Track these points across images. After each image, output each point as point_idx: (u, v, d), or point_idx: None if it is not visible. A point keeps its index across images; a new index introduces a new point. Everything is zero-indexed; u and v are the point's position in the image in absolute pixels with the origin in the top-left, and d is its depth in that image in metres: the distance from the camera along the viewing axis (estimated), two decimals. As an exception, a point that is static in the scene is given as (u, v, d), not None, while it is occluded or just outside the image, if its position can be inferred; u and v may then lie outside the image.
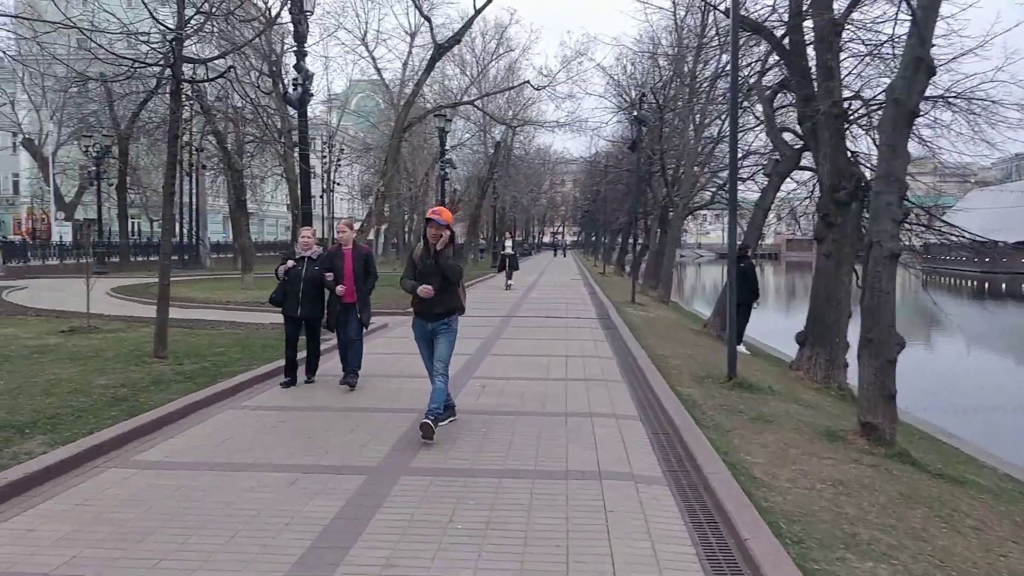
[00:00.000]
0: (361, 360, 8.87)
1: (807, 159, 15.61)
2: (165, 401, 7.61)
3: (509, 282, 25.64)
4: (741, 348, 14.74)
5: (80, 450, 5.78)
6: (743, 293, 14.61)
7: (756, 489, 5.06)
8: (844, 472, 5.68)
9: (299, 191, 13.61)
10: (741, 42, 18.50)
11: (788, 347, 18.47)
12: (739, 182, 29.72)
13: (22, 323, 14.63)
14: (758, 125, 23.01)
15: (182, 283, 26.94)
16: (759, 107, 20.59)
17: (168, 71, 30.53)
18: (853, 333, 8.77)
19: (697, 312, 26.22)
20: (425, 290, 6.52)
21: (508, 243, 28.85)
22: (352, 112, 55.45)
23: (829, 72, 10.52)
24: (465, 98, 35.81)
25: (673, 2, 23.33)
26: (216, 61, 12.71)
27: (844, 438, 6.76)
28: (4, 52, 32.06)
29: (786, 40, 11.85)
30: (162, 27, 9.74)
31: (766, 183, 16.64)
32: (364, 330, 9.08)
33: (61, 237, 39.21)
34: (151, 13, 9.53)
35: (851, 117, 11.53)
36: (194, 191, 39.78)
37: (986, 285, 55.36)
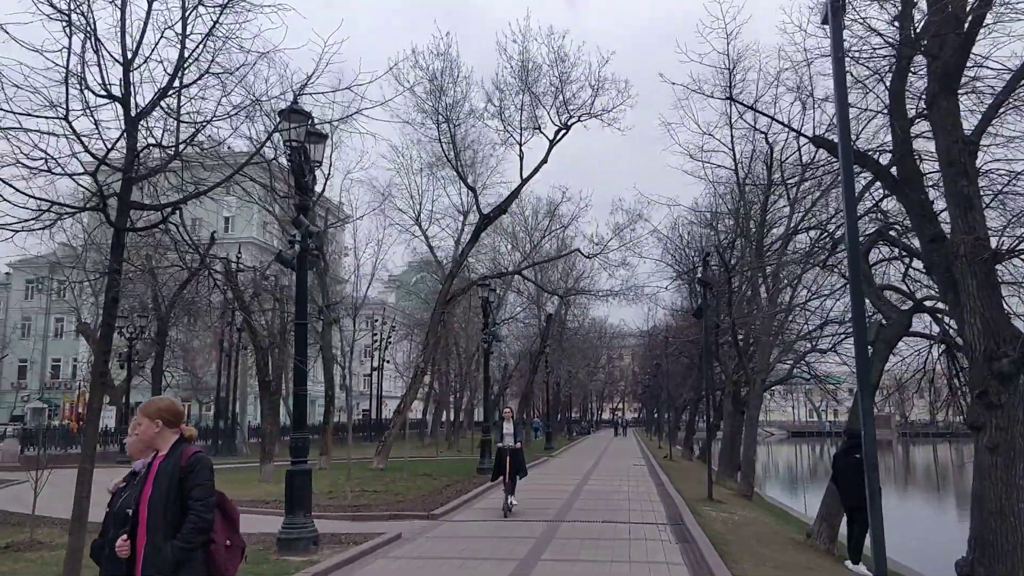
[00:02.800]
0: None
1: (919, 319, 12.72)
2: None
3: (511, 500, 14.62)
4: (860, 567, 11.15)
5: None
6: (856, 494, 11.22)
7: None
8: None
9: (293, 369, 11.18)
10: (826, 187, 16.33)
11: (918, 558, 14.60)
12: (819, 354, 26.62)
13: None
14: (846, 284, 20.33)
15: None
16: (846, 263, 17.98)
17: (208, 258, 29.68)
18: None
19: (788, 508, 22.17)
20: None
21: (507, 426, 15.48)
22: (403, 287, 54.79)
23: (968, 202, 7.90)
24: (513, 269, 34.07)
25: (734, 158, 21.53)
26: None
27: None
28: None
29: (894, 170, 9.37)
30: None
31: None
32: None
33: (105, 424, 37.77)
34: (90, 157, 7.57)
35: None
36: (232, 371, 38.18)
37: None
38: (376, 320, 56.06)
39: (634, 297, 38.95)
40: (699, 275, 17.51)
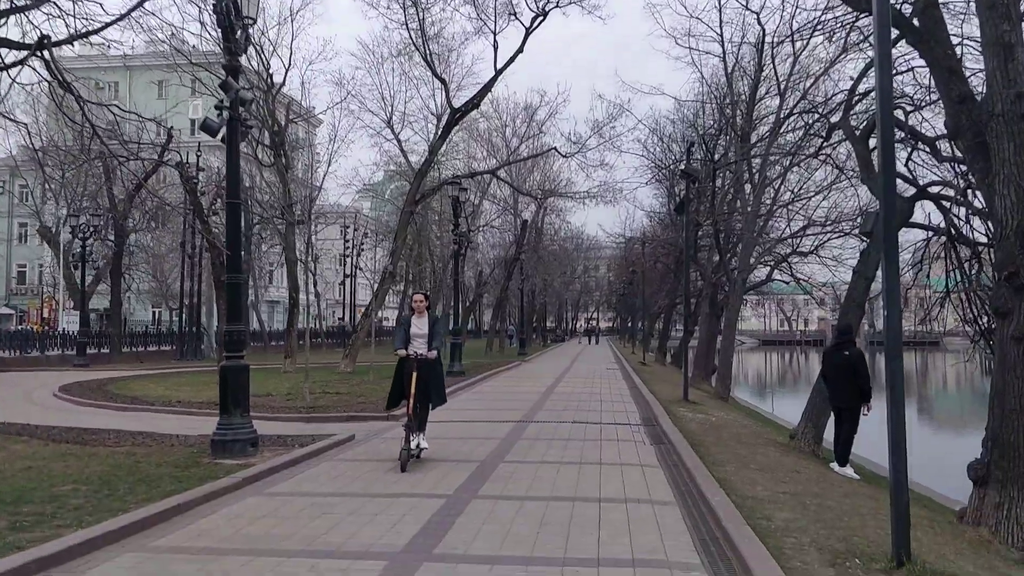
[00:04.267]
0: None
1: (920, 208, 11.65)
2: None
3: (419, 440, 8.78)
4: (847, 470, 10.45)
5: None
6: (846, 393, 10.42)
7: None
8: None
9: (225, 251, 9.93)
10: (820, 70, 15.02)
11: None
12: (800, 256, 25.76)
13: None
14: (837, 180, 19.25)
15: (156, 377, 23.36)
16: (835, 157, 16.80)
17: (167, 153, 27.78)
18: None
19: (765, 412, 21.69)
20: None
21: (418, 323, 8.92)
22: (378, 197, 53.07)
23: (1009, 51, 6.68)
24: (488, 170, 32.52)
25: (722, 44, 19.93)
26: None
27: None
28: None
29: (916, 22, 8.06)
30: None
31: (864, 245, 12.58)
32: None
33: (67, 327, 36.48)
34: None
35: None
36: (197, 275, 36.75)
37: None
38: (349, 227, 54.64)
39: (612, 199, 37.67)
40: (682, 167, 16.26)
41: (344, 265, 57.09)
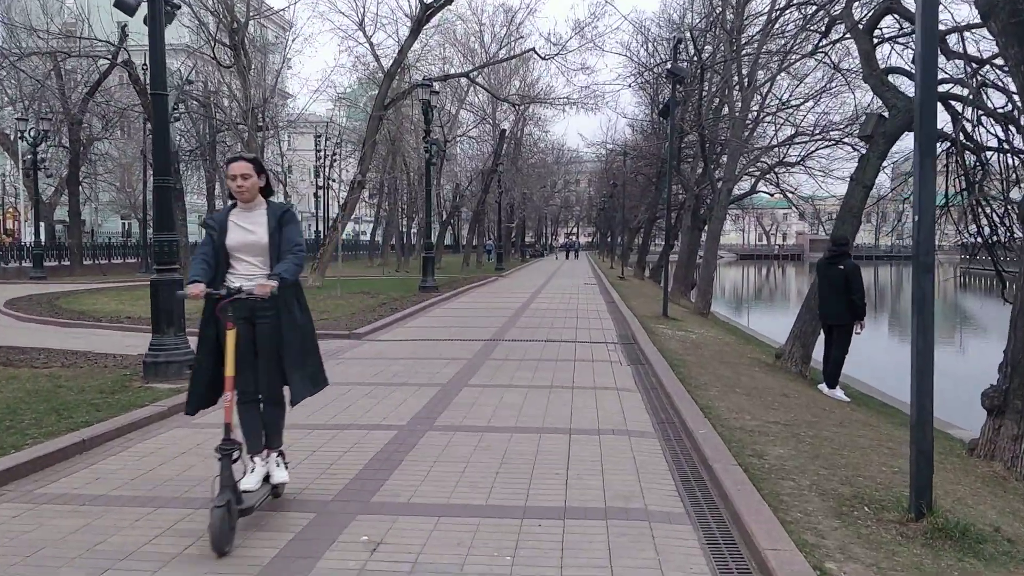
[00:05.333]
0: None
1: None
2: None
3: (264, 472, 4.37)
4: (837, 392, 9.81)
5: None
6: (839, 309, 9.67)
7: None
8: None
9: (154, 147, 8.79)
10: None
11: (894, 386, 13.46)
12: (786, 167, 24.75)
13: None
14: (830, 84, 18.06)
15: (114, 291, 22.25)
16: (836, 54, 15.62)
17: (121, 54, 25.84)
18: None
19: (746, 328, 21.11)
20: None
21: (246, 219, 4.33)
22: (353, 106, 50.89)
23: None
24: (461, 72, 30.76)
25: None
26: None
27: None
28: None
29: None
30: None
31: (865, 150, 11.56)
32: None
33: (30, 239, 34.97)
34: None
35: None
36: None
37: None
38: (320, 136, 52.62)
39: (594, 105, 36.23)
40: (668, 66, 15.00)
41: (319, 177, 55.41)
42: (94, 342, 11.50)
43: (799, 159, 23.09)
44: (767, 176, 24.10)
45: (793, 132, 22.17)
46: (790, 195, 23.85)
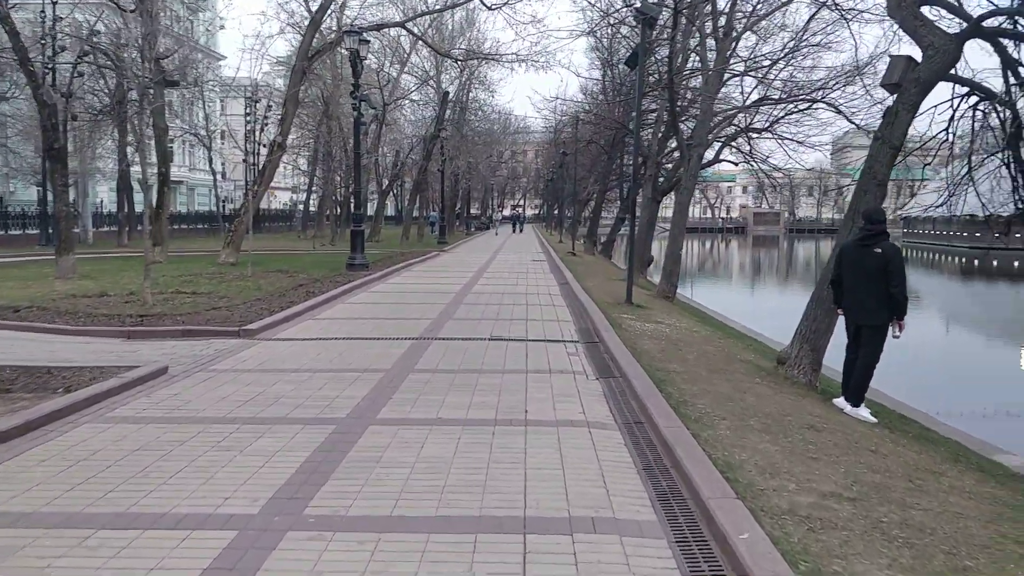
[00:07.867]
0: None
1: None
2: None
3: None
4: (862, 411, 7.62)
5: None
6: (872, 303, 7.45)
7: None
8: None
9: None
10: None
11: (919, 395, 11.34)
12: (754, 133, 22.60)
13: None
14: (823, 42, 15.82)
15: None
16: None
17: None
18: None
19: (714, 313, 18.98)
20: None
21: None
22: (281, 68, 47.19)
23: None
24: (398, 21, 27.71)
25: None
26: None
27: None
28: None
29: None
30: None
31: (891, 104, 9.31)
32: None
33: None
34: None
35: None
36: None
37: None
38: (250, 98, 48.79)
39: (544, 63, 33.62)
40: (637, 4, 12.54)
41: (249, 142, 51.67)
42: None
43: (767, 124, 21.01)
44: (732, 143, 21.96)
45: (768, 91, 19.95)
46: (760, 165, 21.73)
